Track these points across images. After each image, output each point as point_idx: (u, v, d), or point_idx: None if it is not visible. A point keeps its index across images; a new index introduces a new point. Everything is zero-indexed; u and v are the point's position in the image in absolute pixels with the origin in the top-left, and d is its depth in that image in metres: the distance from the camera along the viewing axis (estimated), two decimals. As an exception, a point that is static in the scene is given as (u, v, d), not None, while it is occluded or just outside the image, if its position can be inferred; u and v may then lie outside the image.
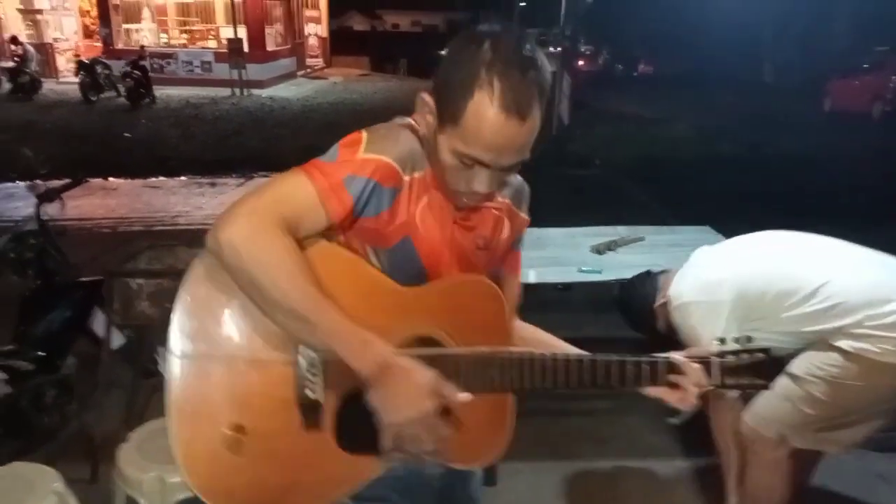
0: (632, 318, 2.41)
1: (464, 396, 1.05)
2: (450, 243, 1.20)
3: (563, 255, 2.95)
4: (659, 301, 2.21)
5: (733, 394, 1.28)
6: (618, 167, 9.08)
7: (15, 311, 2.96)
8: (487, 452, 1.22)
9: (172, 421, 1.07)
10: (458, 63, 1.05)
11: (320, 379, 1.10)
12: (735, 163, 9.35)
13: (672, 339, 2.07)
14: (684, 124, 12.79)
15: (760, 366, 1.22)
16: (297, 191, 1.06)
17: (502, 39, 1.04)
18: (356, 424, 1.09)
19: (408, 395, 1.01)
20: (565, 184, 7.38)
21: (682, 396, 1.19)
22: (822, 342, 1.93)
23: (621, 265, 2.83)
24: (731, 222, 3.67)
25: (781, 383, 1.95)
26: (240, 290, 1.05)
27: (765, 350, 1.23)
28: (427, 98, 1.11)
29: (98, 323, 2.98)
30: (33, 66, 15.14)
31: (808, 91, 15.89)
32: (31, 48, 15.63)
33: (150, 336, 3.28)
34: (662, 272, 2.29)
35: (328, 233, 1.11)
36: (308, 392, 1.10)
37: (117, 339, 3.05)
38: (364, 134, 1.11)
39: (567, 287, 2.65)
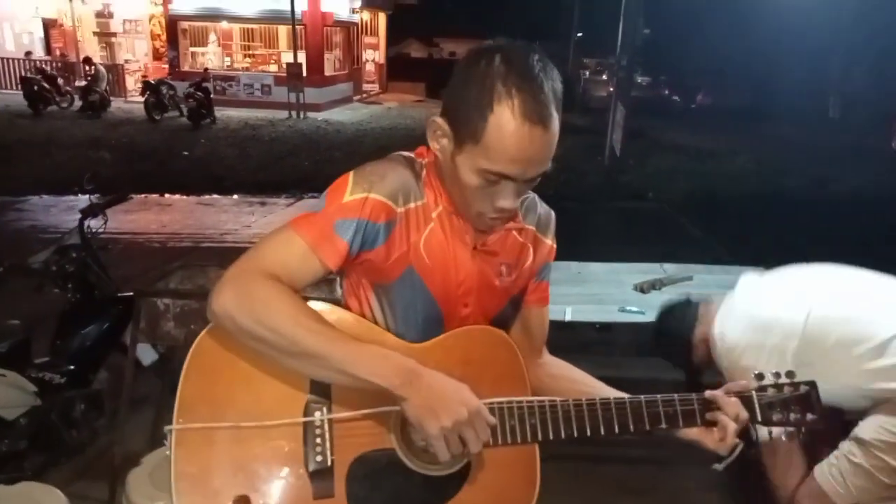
0: (666, 347, 2.23)
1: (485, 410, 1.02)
2: (469, 271, 1.15)
3: (604, 292, 2.81)
4: (698, 334, 2.03)
5: (788, 442, 1.13)
6: (672, 201, 8.83)
7: (54, 325, 3.01)
8: None
9: (174, 495, 1.03)
10: (472, 80, 1.03)
11: (328, 441, 1.06)
12: (797, 200, 8.96)
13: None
14: (744, 158, 12.40)
15: (807, 400, 1.13)
16: (285, 246, 1.05)
17: (511, 52, 1.03)
18: (371, 490, 1.06)
19: (444, 398, 0.98)
20: (615, 217, 7.21)
21: (721, 435, 1.11)
22: (894, 402, 1.72)
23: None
24: (790, 263, 3.48)
25: (848, 448, 1.76)
26: (244, 358, 1.05)
27: (809, 383, 1.14)
28: (439, 121, 1.07)
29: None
30: (104, 86, 15.87)
31: (876, 126, 15.28)
32: (102, 69, 16.40)
33: (182, 354, 3.29)
34: (703, 301, 2.11)
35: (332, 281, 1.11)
36: (317, 457, 1.05)
37: (150, 356, 3.05)
38: (350, 175, 1.10)
39: (606, 327, 2.51)
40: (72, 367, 2.85)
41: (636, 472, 2.89)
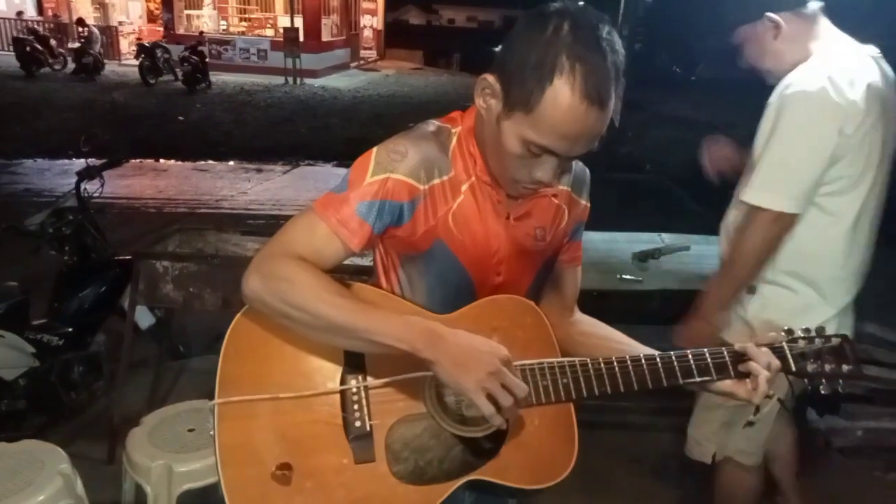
0: None
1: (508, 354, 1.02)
2: (502, 240, 1.15)
3: (603, 261, 2.82)
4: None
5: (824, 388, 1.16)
6: (670, 173, 8.80)
7: (51, 287, 3.00)
8: (557, 469, 1.14)
9: (220, 467, 1.05)
10: (534, 45, 0.97)
11: (366, 408, 1.08)
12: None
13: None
14: (743, 131, 12.32)
15: (840, 351, 1.14)
16: (309, 229, 1.07)
17: (581, 20, 0.97)
18: (411, 453, 1.07)
19: (471, 352, 0.98)
20: (614, 188, 7.17)
21: (754, 385, 1.10)
22: None
23: (664, 274, 2.69)
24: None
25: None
26: (278, 335, 1.08)
27: (840, 336, 1.15)
28: (491, 80, 1.04)
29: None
30: (97, 48, 15.63)
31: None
32: (96, 30, 16.15)
33: (179, 318, 3.30)
34: None
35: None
36: (356, 423, 1.07)
37: (147, 319, 3.06)
38: (372, 154, 1.08)
39: (605, 295, 2.51)
40: (70, 329, 2.85)
41: (631, 438, 2.93)
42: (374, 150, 1.09)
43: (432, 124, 1.14)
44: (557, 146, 1.00)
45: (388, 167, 1.06)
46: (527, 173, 1.05)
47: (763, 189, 1.72)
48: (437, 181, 1.09)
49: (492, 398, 0.97)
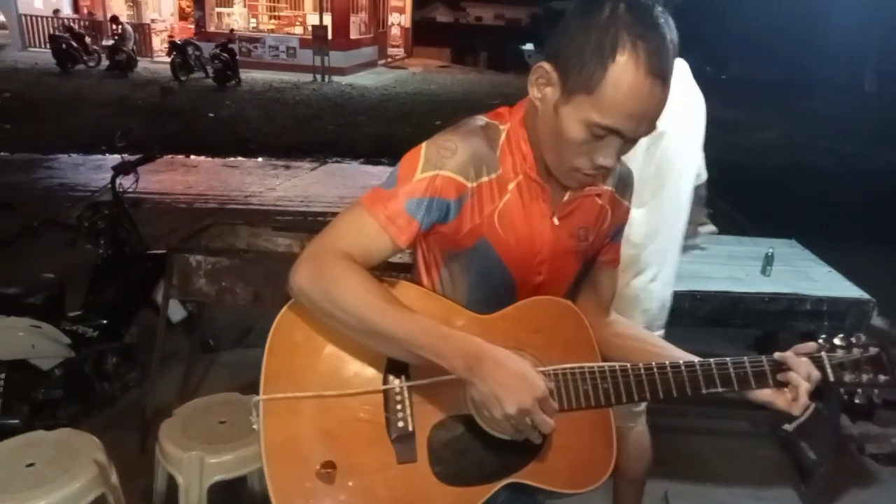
0: None
1: (549, 384, 1.03)
2: (546, 240, 1.15)
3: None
4: None
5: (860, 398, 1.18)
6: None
7: (87, 280, 3.07)
8: (596, 473, 1.15)
9: (265, 462, 1.05)
10: (592, 28, 0.98)
11: (409, 408, 1.08)
12: (828, 175, 8.77)
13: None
14: (774, 132, 12.13)
15: (878, 361, 1.13)
16: (357, 225, 1.06)
17: (635, 2, 0.99)
18: (453, 454, 1.08)
19: (506, 384, 0.96)
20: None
21: (794, 395, 1.09)
22: None
23: (696, 276, 2.65)
24: (821, 238, 3.42)
25: None
26: (324, 331, 1.08)
27: (879, 345, 1.14)
28: (547, 67, 1.03)
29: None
30: (130, 45, 15.88)
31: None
32: (129, 28, 16.40)
33: (208, 312, 3.34)
34: None
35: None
36: (399, 423, 1.07)
37: (179, 313, 3.11)
38: (422, 150, 1.08)
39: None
40: (104, 321, 2.91)
41: (657, 441, 2.90)
42: (424, 145, 1.08)
43: (481, 119, 1.14)
44: (622, 125, 0.99)
45: (438, 164, 1.06)
46: (588, 160, 1.04)
47: None
48: (485, 179, 1.09)
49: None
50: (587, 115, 0.99)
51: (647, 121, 1.00)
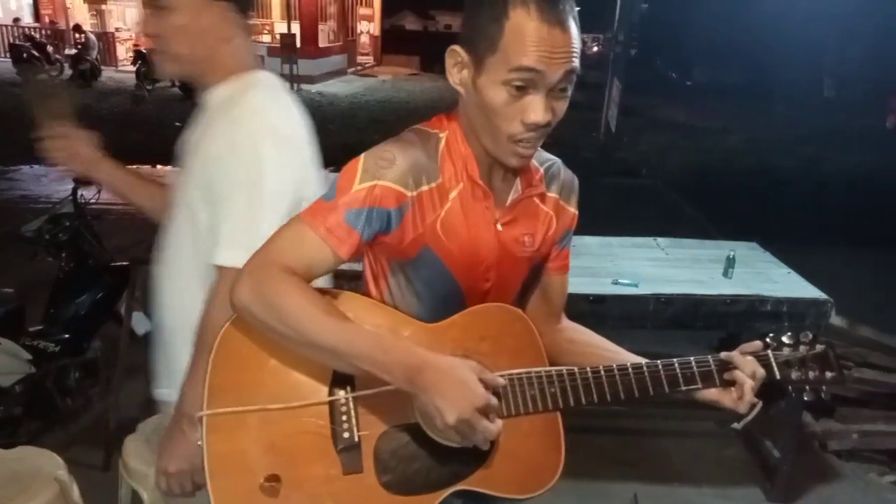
0: None
1: (501, 381, 1.05)
2: (491, 247, 1.15)
3: (597, 265, 2.83)
4: None
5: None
6: (666, 177, 8.83)
7: (48, 293, 3.00)
8: (543, 478, 1.15)
9: (208, 477, 1.04)
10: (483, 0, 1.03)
11: (354, 418, 1.07)
12: (789, 178, 8.98)
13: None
14: (737, 136, 12.39)
15: (824, 358, 1.15)
16: (298, 239, 1.06)
17: None
18: (399, 463, 1.07)
19: (447, 395, 0.97)
20: (609, 192, 7.20)
21: (740, 394, 1.12)
22: None
23: (660, 279, 2.70)
24: (782, 240, 3.50)
25: None
26: (267, 346, 1.07)
27: (825, 342, 1.16)
28: (457, 48, 1.06)
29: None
30: (94, 54, 15.61)
31: (871, 107, 15.27)
32: (93, 37, 16.12)
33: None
34: None
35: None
36: (344, 434, 1.07)
37: (143, 325, 3.05)
38: (361, 161, 1.08)
39: (600, 299, 2.53)
40: (66, 335, 2.85)
41: (623, 443, 2.95)
42: (362, 156, 1.08)
43: (420, 130, 1.14)
44: (534, 63, 1.00)
45: (377, 174, 1.06)
46: (518, 123, 1.03)
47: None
48: (425, 188, 1.09)
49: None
50: (500, 74, 1.01)
51: (557, 60, 1.00)
